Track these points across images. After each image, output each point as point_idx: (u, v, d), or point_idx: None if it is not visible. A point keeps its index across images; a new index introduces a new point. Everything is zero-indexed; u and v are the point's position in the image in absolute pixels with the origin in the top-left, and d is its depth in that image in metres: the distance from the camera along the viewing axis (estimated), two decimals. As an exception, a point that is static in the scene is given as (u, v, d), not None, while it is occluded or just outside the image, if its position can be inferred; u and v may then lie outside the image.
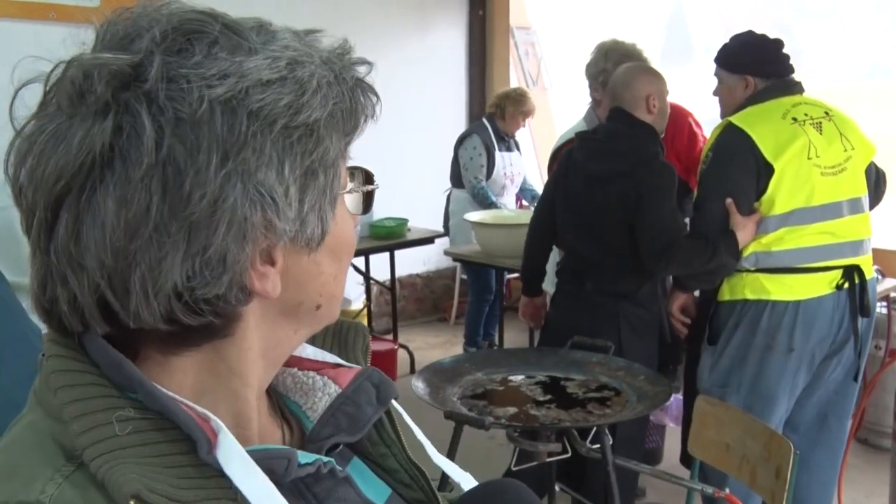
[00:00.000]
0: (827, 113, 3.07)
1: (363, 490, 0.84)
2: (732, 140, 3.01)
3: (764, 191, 2.98)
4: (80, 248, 0.66)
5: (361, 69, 0.78)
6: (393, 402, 0.91)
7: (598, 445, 2.59)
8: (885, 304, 4.45)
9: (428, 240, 5.62)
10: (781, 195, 2.97)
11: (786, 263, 3.04)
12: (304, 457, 0.76)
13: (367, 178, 0.84)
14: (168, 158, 0.64)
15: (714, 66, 3.33)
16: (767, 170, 2.96)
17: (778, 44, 3.24)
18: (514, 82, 6.91)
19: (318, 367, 0.89)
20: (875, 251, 4.84)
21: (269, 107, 0.67)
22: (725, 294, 3.13)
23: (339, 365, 0.90)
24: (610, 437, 2.59)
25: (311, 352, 0.91)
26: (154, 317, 0.67)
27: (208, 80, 0.66)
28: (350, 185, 0.80)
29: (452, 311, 6.78)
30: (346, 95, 0.74)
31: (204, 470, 0.68)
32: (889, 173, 3.35)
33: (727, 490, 2.54)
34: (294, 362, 0.88)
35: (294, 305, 0.77)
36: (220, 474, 0.68)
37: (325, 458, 0.79)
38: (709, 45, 3.34)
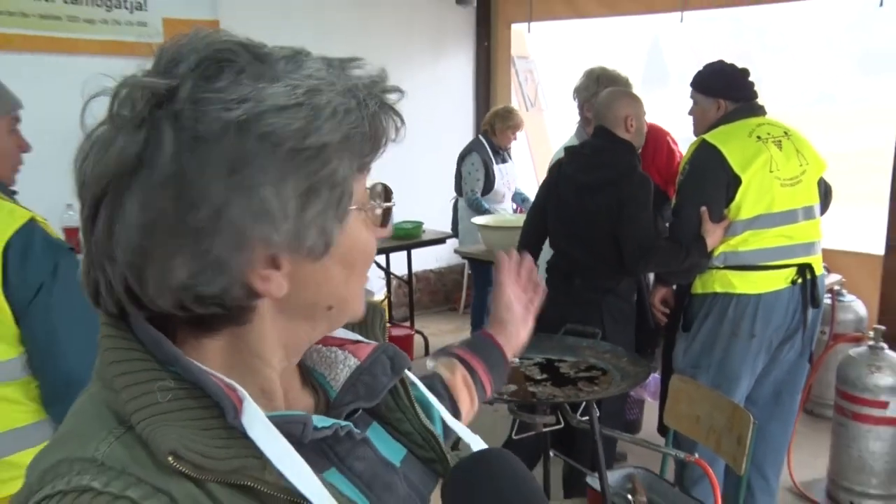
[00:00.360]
0: (786, 133, 3.11)
1: (380, 450, 0.85)
2: (706, 155, 3.05)
3: (732, 199, 3.01)
4: (111, 242, 0.67)
5: (392, 96, 0.75)
6: (407, 372, 0.90)
7: (586, 418, 2.60)
8: (829, 295, 4.45)
9: (440, 240, 5.63)
10: (747, 203, 3.00)
11: (750, 262, 3.07)
12: (322, 421, 0.76)
13: (387, 193, 0.82)
14: (182, 171, 0.65)
15: (689, 89, 3.34)
16: (736, 181, 2.99)
17: (745, 72, 3.26)
18: (516, 104, 6.91)
19: (339, 342, 0.89)
20: (822, 250, 4.85)
21: (279, 130, 0.66)
22: (698, 288, 3.16)
23: (359, 341, 0.90)
24: (597, 410, 2.60)
25: (337, 330, 0.90)
26: (168, 305, 0.69)
27: (227, 103, 0.66)
28: (369, 203, 0.78)
29: (461, 301, 6.77)
30: (365, 121, 0.71)
31: (232, 432, 0.69)
32: (833, 185, 3.38)
33: (696, 455, 2.55)
34: (320, 339, 0.85)
35: (306, 306, 0.76)
36: (245, 436, 0.68)
37: (343, 423, 0.78)
38: (682, 73, 3.38)
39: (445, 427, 0.99)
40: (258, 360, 0.75)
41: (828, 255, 4.87)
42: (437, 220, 6.04)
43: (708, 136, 3.09)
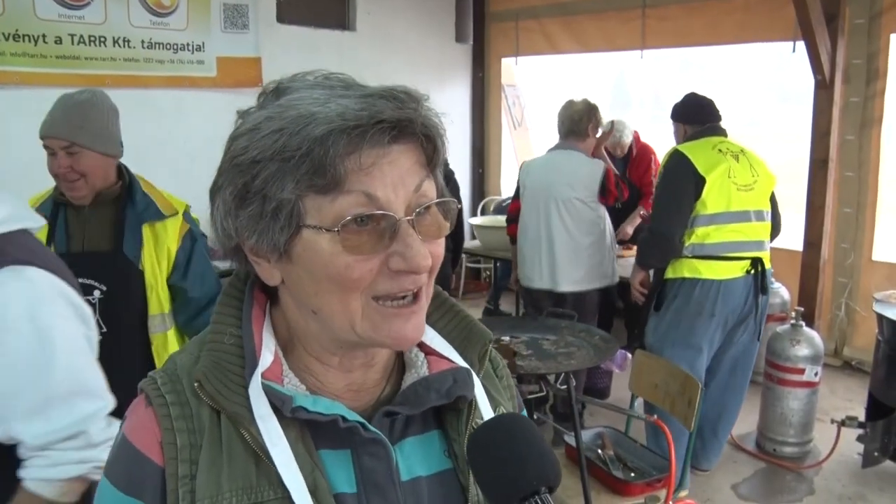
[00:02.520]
0: (742, 151, 3.18)
1: (412, 457, 0.76)
2: (678, 161, 3.11)
3: (699, 196, 3.04)
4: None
5: (358, 128, 0.64)
6: (478, 401, 0.78)
7: (564, 386, 2.57)
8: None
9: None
10: (710, 200, 3.04)
11: (713, 252, 3.08)
12: (351, 415, 0.71)
13: (377, 225, 0.66)
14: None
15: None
16: (701, 181, 3.02)
17: (704, 101, 3.33)
18: (505, 125, 6.87)
19: (431, 351, 0.80)
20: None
21: (234, 146, 0.69)
22: (669, 273, 3.16)
23: (445, 357, 0.79)
24: (574, 379, 2.57)
25: (436, 341, 0.81)
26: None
27: (238, 126, 0.71)
28: (336, 226, 0.65)
29: (460, 289, 6.73)
30: (306, 144, 0.63)
31: (245, 381, 0.71)
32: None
33: (655, 416, 2.52)
34: (421, 345, 0.80)
35: (299, 303, 0.72)
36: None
37: (361, 420, 0.71)
38: (642, 99, 3.43)
39: None
40: (299, 343, 0.75)
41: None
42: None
43: (679, 147, 3.16)
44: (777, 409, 3.61)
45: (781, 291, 4.56)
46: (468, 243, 5.29)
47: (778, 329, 3.68)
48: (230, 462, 0.69)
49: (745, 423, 3.94)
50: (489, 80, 6.76)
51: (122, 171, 2.11)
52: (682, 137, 3.29)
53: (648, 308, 3.29)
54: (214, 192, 0.72)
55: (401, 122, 0.66)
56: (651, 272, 3.41)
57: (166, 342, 2.09)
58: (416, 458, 0.76)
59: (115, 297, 2.01)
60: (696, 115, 3.31)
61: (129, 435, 0.73)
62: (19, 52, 4.14)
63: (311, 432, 0.72)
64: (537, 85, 7.72)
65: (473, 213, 6.66)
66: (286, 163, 0.64)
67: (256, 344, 0.72)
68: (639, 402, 2.91)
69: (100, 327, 1.93)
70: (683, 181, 3.06)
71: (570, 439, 2.61)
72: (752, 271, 3.11)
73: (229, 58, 4.95)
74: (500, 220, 5.11)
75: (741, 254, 3.11)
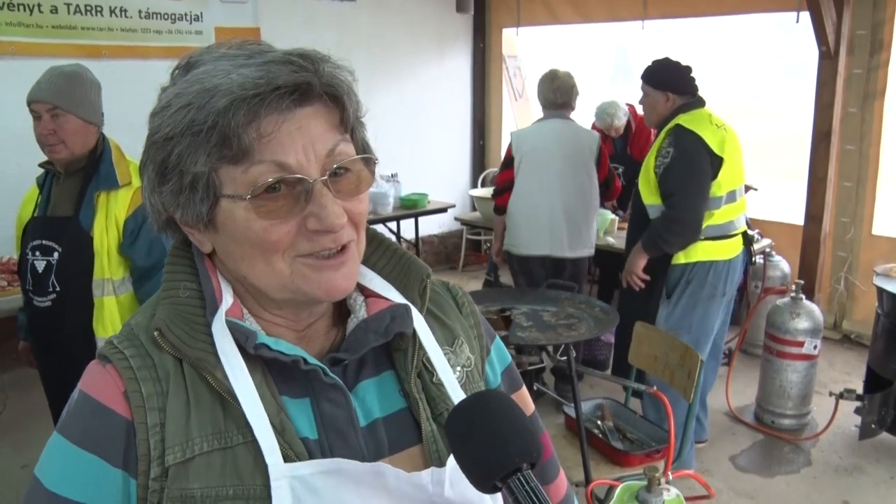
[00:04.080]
0: (723, 124, 3.06)
1: (369, 400, 0.77)
2: (690, 139, 2.93)
3: (715, 176, 2.94)
4: None
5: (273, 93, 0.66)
6: (421, 337, 0.79)
7: (565, 357, 2.58)
8: (761, 256, 4.44)
9: (442, 209, 5.55)
10: (724, 179, 2.96)
11: (724, 232, 3.03)
12: (311, 359, 0.73)
13: (291, 190, 0.68)
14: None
15: (640, 81, 3.21)
16: (718, 160, 2.92)
17: (688, 69, 3.16)
18: (506, 96, 6.81)
19: (370, 293, 0.81)
20: (756, 220, 4.85)
21: (151, 126, 0.71)
22: (681, 258, 3.03)
23: (381, 297, 0.80)
24: (574, 351, 2.58)
25: (377, 283, 0.82)
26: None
27: (156, 105, 0.71)
28: (247, 193, 0.67)
29: (460, 261, 6.73)
30: (210, 118, 0.65)
31: (207, 329, 0.72)
32: (759, 166, 3.44)
33: (654, 387, 2.53)
34: (362, 288, 0.81)
35: (232, 267, 0.74)
36: (211, 335, 0.72)
37: (320, 364, 0.73)
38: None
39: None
40: (250, 298, 0.76)
41: (761, 223, 4.89)
42: (441, 191, 5.97)
43: (683, 123, 2.96)
44: (776, 381, 3.63)
45: (782, 264, 4.57)
46: (468, 215, 5.28)
47: (778, 302, 3.69)
48: (197, 408, 0.69)
49: (744, 395, 3.97)
50: (490, 51, 6.69)
51: (99, 141, 2.22)
52: (667, 109, 3.07)
53: (652, 295, 3.14)
54: (141, 169, 0.74)
55: (299, 86, 0.67)
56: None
57: (102, 307, 2.18)
58: (371, 401, 0.77)
59: (67, 259, 2.16)
60: (687, 84, 3.10)
61: (87, 389, 0.72)
62: (14, 22, 4.09)
63: (273, 377, 0.73)
64: (538, 56, 7.63)
65: (474, 185, 6.64)
66: (196, 136, 0.66)
67: (216, 287, 0.74)
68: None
69: (54, 286, 2.15)
70: (703, 162, 2.91)
71: (569, 410, 2.63)
72: (744, 246, 3.11)
73: (228, 28, 4.89)
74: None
75: (740, 230, 3.11)
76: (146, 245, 2.16)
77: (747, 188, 3.75)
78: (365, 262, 0.81)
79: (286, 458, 0.69)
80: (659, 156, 3.01)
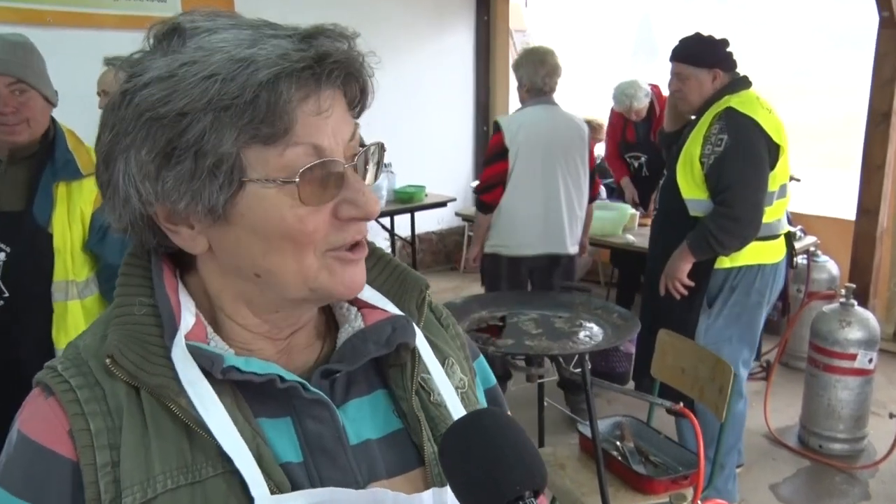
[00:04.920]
0: (772, 107, 3.01)
1: (362, 419, 0.78)
2: (744, 124, 2.86)
3: (773, 168, 2.89)
4: None
5: (305, 65, 0.67)
6: (421, 353, 0.82)
7: (579, 370, 2.58)
8: (805, 256, 4.44)
9: (442, 203, 5.57)
10: (779, 172, 2.92)
11: (772, 232, 3.00)
12: (289, 375, 0.73)
13: (325, 170, 0.70)
14: (98, 135, 0.72)
15: (672, 64, 3.12)
16: (776, 149, 2.88)
17: (726, 42, 3.12)
18: (512, 75, 6.82)
19: (363, 304, 0.83)
20: (799, 215, 4.85)
21: (143, 101, 0.67)
22: (726, 262, 2.98)
23: (378, 308, 0.83)
24: (589, 363, 2.59)
25: (368, 294, 0.84)
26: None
27: (129, 77, 0.69)
28: (280, 177, 0.68)
29: (462, 261, 6.75)
30: (248, 91, 0.65)
31: (166, 352, 0.72)
32: (801, 155, 3.40)
33: (681, 403, 2.54)
34: (354, 299, 0.83)
35: (233, 267, 0.74)
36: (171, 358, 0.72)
37: (299, 380, 0.73)
38: (670, 48, 3.21)
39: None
40: (221, 312, 0.77)
41: (804, 218, 4.89)
42: (440, 183, 5.99)
43: (735, 105, 2.90)
44: (823, 399, 3.62)
45: (829, 266, 4.58)
46: (470, 210, 5.29)
47: (825, 308, 3.68)
48: (159, 441, 0.69)
49: (786, 414, 3.97)
50: (495, 25, 6.71)
51: (50, 125, 2.19)
52: (713, 89, 3.02)
53: (692, 305, 3.07)
54: (114, 155, 0.70)
55: (348, 61, 0.70)
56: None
57: (66, 312, 2.15)
58: (363, 422, 0.79)
59: (19, 260, 2.10)
60: (732, 59, 3.06)
61: (27, 431, 0.71)
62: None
63: (246, 400, 0.73)
64: (550, 30, 7.66)
65: (477, 177, 6.65)
66: (223, 112, 0.65)
67: (174, 306, 0.74)
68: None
69: (1, 292, 2.08)
70: (762, 150, 2.85)
71: (584, 429, 2.64)
72: (787, 248, 3.09)
73: (196, -3, 4.88)
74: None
75: (786, 229, 3.08)
76: (119, 240, 2.13)
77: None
78: None
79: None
80: (707, 143, 2.92)
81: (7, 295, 2.11)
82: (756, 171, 2.86)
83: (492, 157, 3.68)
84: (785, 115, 3.14)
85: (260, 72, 0.65)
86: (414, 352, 0.81)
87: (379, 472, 0.76)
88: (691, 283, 3.05)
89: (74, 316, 2.16)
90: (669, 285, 3.07)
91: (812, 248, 4.49)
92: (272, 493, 0.69)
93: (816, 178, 5.61)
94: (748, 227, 2.87)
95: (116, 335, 0.72)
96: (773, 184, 2.92)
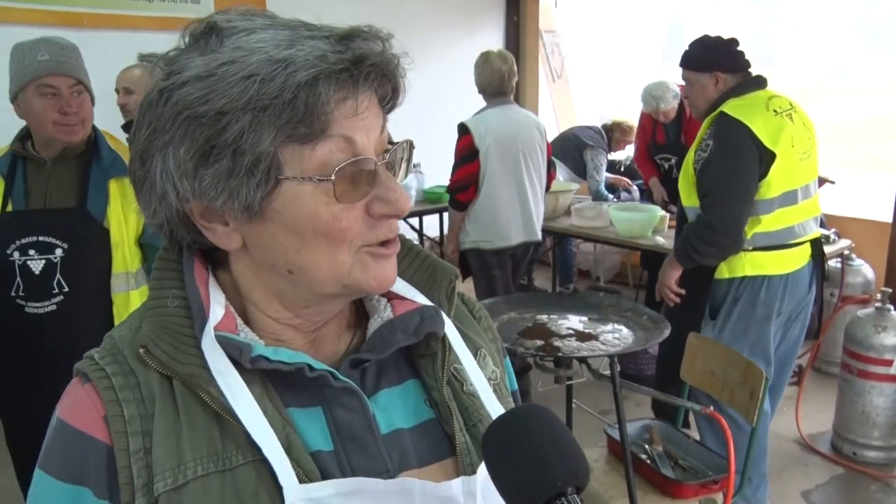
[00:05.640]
0: (791, 105, 2.89)
1: (392, 408, 0.79)
2: (732, 129, 2.77)
3: (764, 175, 2.77)
4: None
5: (343, 68, 0.68)
6: (452, 342, 0.83)
7: (608, 372, 2.57)
8: (839, 259, 4.38)
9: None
10: (777, 179, 2.78)
11: (779, 241, 2.86)
12: (318, 364, 0.74)
13: (365, 167, 0.71)
14: (135, 132, 0.73)
15: (680, 71, 3.06)
16: (769, 155, 2.75)
17: (734, 42, 3.02)
18: (542, 77, 6.80)
19: (392, 296, 0.85)
20: (833, 217, 4.77)
21: (182, 99, 0.68)
22: (724, 272, 2.90)
23: (407, 299, 0.84)
24: (618, 364, 2.57)
25: (398, 285, 0.85)
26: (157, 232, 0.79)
27: (167, 75, 0.70)
28: (317, 175, 0.69)
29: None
30: (287, 91, 0.65)
31: (197, 342, 0.73)
32: (837, 154, 3.26)
33: (711, 407, 2.51)
34: (383, 293, 0.84)
35: (266, 264, 0.75)
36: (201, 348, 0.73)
37: (329, 369, 0.74)
38: None
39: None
40: (252, 306, 0.79)
41: (838, 221, 4.82)
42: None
43: (728, 110, 2.81)
44: (857, 405, 3.58)
45: (864, 269, 4.51)
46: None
47: (859, 313, 3.64)
48: (190, 429, 0.71)
49: (818, 420, 3.92)
50: (525, 25, 6.70)
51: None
52: (717, 92, 2.94)
53: (693, 315, 3.01)
54: (151, 151, 0.71)
55: (384, 63, 0.71)
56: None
57: (128, 302, 2.21)
58: (394, 411, 0.80)
59: (77, 255, 2.15)
60: (737, 60, 2.95)
61: (64, 417, 0.74)
62: (-26, -19, 4.10)
63: (276, 389, 0.75)
64: (580, 31, 7.63)
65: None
66: (262, 112, 0.66)
67: (203, 299, 0.75)
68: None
69: (60, 287, 2.13)
70: (747, 158, 2.74)
71: (613, 432, 2.63)
72: (813, 255, 2.94)
73: (229, -3, 4.94)
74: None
75: (806, 237, 2.91)
76: None
77: (822, 181, 3.63)
78: None
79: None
80: (699, 150, 2.87)
81: (66, 290, 2.16)
82: (735, 179, 2.75)
83: (463, 159, 3.94)
84: (818, 116, 3.05)
85: (299, 73, 0.66)
86: (444, 341, 0.82)
87: (410, 462, 0.77)
88: (681, 291, 3.04)
89: (135, 305, 2.20)
90: (661, 292, 3.09)
91: (846, 252, 4.42)
92: (301, 481, 0.70)
93: (851, 180, 5.50)
94: (724, 237, 2.78)
95: (150, 326, 0.74)
96: (770, 191, 2.79)
